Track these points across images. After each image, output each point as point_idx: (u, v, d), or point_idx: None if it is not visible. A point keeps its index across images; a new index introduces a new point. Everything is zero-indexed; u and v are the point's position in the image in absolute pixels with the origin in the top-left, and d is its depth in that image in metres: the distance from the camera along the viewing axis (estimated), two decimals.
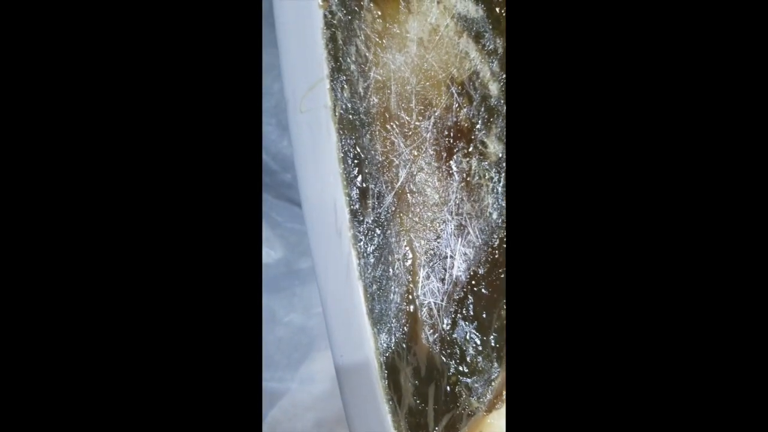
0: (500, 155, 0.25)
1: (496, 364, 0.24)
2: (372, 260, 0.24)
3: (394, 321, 0.23)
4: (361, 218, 0.24)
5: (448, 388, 0.23)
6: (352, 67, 0.23)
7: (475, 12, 0.24)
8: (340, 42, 0.23)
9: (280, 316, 0.47)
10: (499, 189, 0.25)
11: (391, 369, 0.23)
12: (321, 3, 0.23)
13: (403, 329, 0.23)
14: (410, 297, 0.23)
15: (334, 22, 0.23)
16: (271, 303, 0.47)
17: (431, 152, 0.24)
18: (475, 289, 0.24)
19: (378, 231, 0.24)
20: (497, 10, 0.25)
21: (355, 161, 0.24)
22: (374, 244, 0.24)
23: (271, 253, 0.47)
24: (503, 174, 0.25)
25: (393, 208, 0.24)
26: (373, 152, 0.24)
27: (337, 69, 0.24)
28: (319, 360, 0.46)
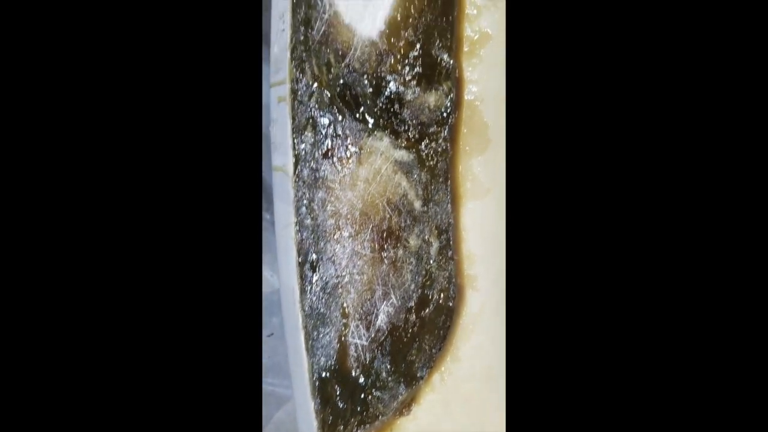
0: (419, 247, 0.38)
1: (402, 386, 0.37)
2: (315, 306, 0.37)
3: (329, 350, 0.37)
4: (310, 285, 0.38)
5: (362, 396, 0.36)
6: (316, 210, 0.37)
7: (407, 157, 0.38)
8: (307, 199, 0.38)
9: None
10: (415, 270, 0.38)
11: (322, 381, 0.36)
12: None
13: (334, 357, 0.37)
14: (341, 338, 0.37)
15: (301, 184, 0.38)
16: None
17: (369, 246, 0.37)
18: (392, 335, 0.38)
19: (322, 294, 0.38)
20: (423, 154, 0.38)
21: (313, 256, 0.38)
22: (319, 299, 0.38)
23: None
24: (422, 260, 0.38)
25: (335, 281, 0.37)
26: (327, 248, 0.38)
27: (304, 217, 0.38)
28: None
